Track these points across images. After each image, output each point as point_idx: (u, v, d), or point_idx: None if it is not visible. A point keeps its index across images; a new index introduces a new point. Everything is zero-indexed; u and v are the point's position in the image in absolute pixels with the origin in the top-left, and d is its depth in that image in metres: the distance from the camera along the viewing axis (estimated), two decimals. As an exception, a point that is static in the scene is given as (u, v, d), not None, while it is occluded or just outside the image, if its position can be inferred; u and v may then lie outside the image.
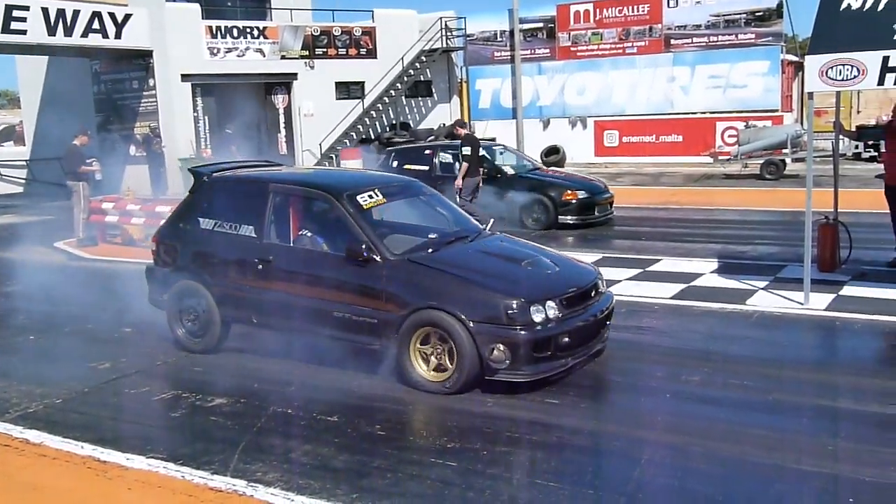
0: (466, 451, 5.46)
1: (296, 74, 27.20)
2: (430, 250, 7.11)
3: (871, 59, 7.76)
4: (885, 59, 7.70)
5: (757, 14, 25.73)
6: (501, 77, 30.25)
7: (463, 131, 13.73)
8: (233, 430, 5.99)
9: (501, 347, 6.25)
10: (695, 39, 26.70)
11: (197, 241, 7.86)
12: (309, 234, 7.50)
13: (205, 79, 25.19)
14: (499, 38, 30.37)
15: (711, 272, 10.41)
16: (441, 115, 30.94)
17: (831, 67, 7.95)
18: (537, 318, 6.32)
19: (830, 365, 7.05)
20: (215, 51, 25.34)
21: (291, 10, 27.72)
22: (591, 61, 28.51)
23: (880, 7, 8.03)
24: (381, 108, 28.47)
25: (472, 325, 6.30)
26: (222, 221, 7.71)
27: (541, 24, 29.52)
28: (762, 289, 9.39)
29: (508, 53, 29.72)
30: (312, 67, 27.45)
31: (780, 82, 25.71)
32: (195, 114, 25.20)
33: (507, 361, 6.26)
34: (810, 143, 8.94)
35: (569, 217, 14.52)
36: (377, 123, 28.81)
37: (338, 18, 28.99)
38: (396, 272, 6.74)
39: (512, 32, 29.21)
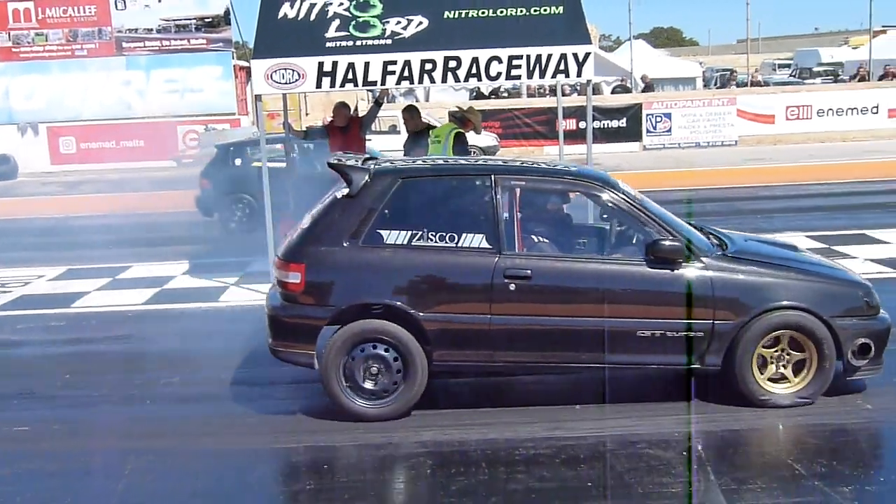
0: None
1: None
2: (715, 242, 6.07)
3: (308, 65, 8.50)
4: (321, 64, 8.50)
5: (206, 20, 26.33)
6: (-71, 79, 26.69)
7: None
8: None
9: (866, 341, 5.64)
10: (147, 43, 26.41)
11: (383, 264, 5.62)
12: (544, 238, 6.04)
13: None
14: (-80, 36, 26.73)
15: (183, 274, 10.53)
16: None
17: (275, 71, 8.52)
18: (878, 302, 5.84)
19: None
20: None
21: None
22: (38, 63, 26.57)
23: (312, 17, 8.82)
24: None
25: (836, 321, 5.59)
26: (426, 232, 5.62)
27: (-27, 22, 26.67)
28: (233, 284, 9.77)
29: (-64, 53, 26.36)
30: None
31: (234, 87, 26.69)
32: None
33: (871, 356, 5.69)
34: (263, 142, 9.48)
35: None
36: None
37: None
38: (723, 272, 5.63)
39: (-62, 30, 25.97)
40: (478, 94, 29.11)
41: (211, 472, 5.14)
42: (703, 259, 5.65)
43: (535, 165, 6.49)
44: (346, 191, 5.79)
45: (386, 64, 8.55)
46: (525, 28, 8.81)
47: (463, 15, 8.88)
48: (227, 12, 26.32)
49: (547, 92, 28.90)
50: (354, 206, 5.70)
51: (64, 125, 26.35)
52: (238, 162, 14.01)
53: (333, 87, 8.58)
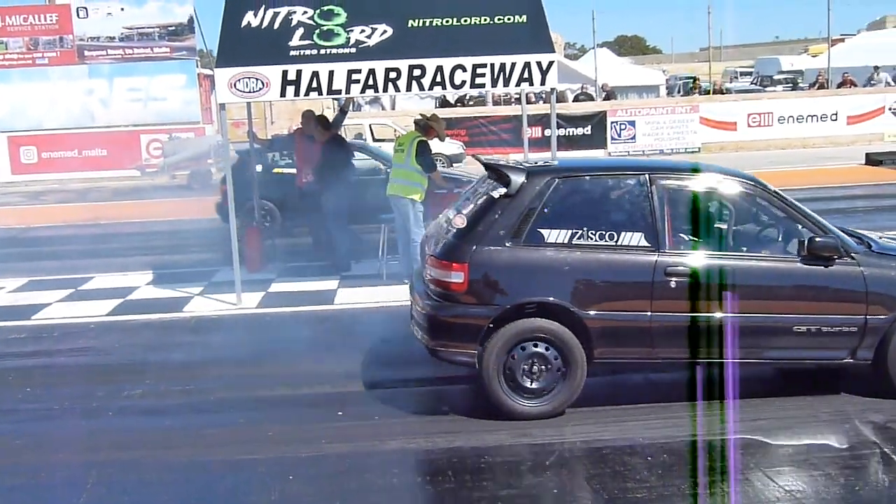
0: None
1: None
2: (857, 240, 6.17)
3: (272, 73, 8.46)
4: (285, 72, 8.47)
5: (170, 28, 26.11)
6: None
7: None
8: None
9: None
10: (110, 51, 26.14)
11: (546, 263, 5.70)
12: (694, 237, 6.02)
13: None
14: None
15: (147, 284, 10.41)
16: None
17: (239, 80, 8.48)
18: None
19: (264, 357, 7.51)
20: None
21: None
22: (-1, 72, 26.23)
23: (276, 26, 8.79)
24: None
25: None
26: (586, 231, 5.72)
27: (-69, 30, 26.23)
28: (198, 294, 9.68)
29: None
30: None
31: (198, 95, 26.49)
32: None
33: None
34: (227, 152, 9.42)
35: None
36: None
37: None
38: (875, 268, 5.84)
39: None
40: (443, 103, 29.18)
41: (175, 486, 5.08)
42: (854, 256, 5.85)
43: (685, 164, 6.65)
44: (502, 190, 5.86)
45: (350, 72, 8.53)
46: (489, 36, 8.85)
47: (427, 23, 8.90)
48: (190, 20, 26.13)
49: (512, 100, 29.03)
50: (514, 206, 5.78)
51: (25, 134, 25.99)
52: (259, 168, 13.44)
53: (298, 95, 8.55)
